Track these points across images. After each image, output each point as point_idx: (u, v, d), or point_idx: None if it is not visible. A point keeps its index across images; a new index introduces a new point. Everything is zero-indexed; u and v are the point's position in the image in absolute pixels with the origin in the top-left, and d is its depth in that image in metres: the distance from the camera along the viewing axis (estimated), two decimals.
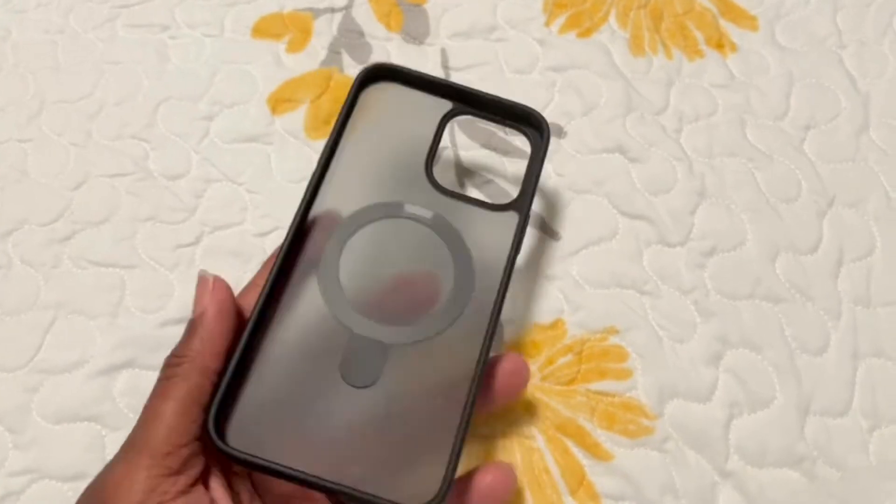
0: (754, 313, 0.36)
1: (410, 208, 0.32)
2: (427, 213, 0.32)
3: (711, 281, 0.37)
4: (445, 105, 0.34)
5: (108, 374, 0.35)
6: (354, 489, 0.26)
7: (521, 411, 0.34)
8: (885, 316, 0.36)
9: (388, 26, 0.44)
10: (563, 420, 0.34)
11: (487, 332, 0.30)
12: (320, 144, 0.40)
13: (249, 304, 0.29)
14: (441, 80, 0.34)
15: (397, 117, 0.34)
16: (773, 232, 0.38)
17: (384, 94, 0.34)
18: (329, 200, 0.31)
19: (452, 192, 0.32)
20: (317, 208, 0.31)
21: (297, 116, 0.41)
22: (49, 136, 0.41)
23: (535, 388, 0.35)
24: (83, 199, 0.39)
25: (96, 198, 0.39)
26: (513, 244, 0.31)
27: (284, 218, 0.38)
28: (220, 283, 0.29)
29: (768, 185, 0.39)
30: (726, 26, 0.45)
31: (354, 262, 0.30)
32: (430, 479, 0.27)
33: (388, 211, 0.32)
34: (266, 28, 0.44)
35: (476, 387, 0.29)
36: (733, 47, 0.44)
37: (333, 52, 0.43)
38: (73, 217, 0.38)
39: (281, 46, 0.44)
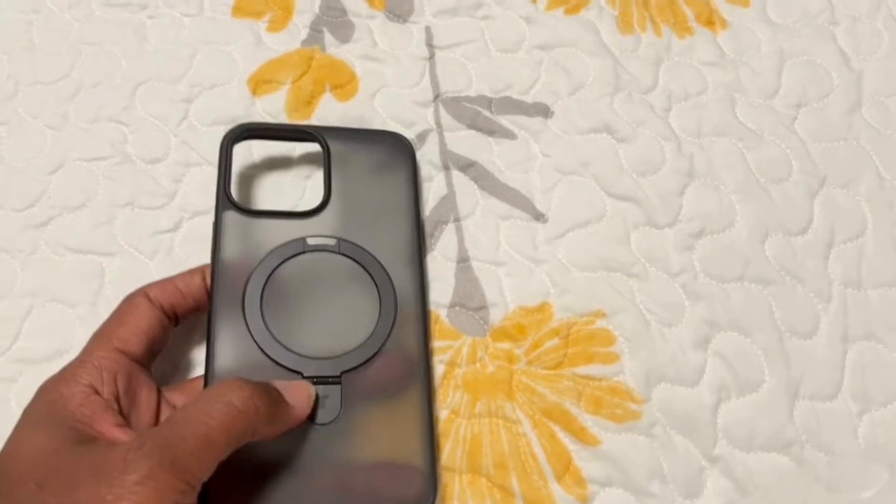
0: (743, 296, 0.36)
1: (312, 241, 0.33)
2: (330, 241, 0.33)
3: (700, 263, 0.36)
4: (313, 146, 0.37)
5: None
6: None
7: (506, 396, 0.34)
8: (876, 298, 0.36)
9: (372, 3, 0.43)
10: (549, 405, 0.34)
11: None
12: None
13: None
14: (300, 125, 0.37)
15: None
16: (763, 213, 0.38)
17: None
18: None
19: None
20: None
21: (278, 98, 0.40)
22: (24, 118, 0.40)
23: (521, 373, 0.34)
24: (60, 184, 0.38)
25: (73, 182, 0.38)
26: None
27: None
28: None
29: (758, 165, 0.39)
30: (717, 2, 0.44)
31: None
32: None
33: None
34: (246, 7, 0.43)
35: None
36: (724, 24, 0.43)
37: (315, 31, 0.42)
38: (50, 202, 0.37)
39: (261, 25, 0.43)
